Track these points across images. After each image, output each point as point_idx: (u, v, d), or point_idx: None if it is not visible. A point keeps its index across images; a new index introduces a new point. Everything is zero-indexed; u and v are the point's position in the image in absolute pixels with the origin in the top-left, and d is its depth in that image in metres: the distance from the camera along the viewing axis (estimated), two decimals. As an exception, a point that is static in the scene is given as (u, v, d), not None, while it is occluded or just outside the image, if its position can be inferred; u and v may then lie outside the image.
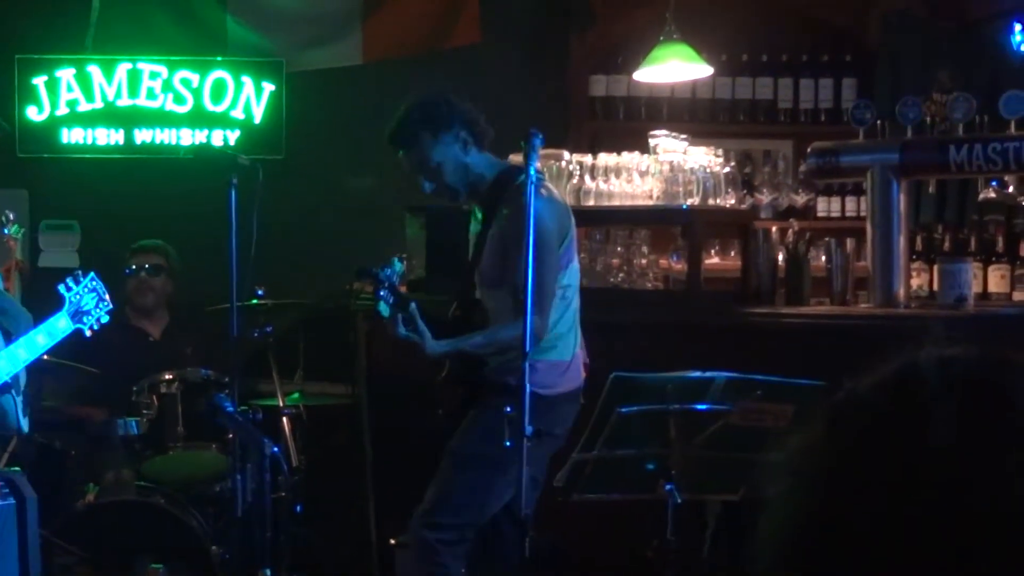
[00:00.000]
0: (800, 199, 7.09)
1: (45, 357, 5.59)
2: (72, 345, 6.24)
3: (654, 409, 3.79)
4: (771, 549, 1.12)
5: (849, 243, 5.77)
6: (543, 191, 4.41)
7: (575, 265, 4.65)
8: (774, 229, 6.11)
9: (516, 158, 5.28)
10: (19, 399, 4.72)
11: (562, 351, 4.57)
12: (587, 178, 5.75)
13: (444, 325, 4.52)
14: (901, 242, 5.44)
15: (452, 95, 4.66)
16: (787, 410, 3.78)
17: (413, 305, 4.36)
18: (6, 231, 5.94)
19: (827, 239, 5.93)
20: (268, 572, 5.52)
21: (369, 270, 4.42)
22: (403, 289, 4.83)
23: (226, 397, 5.33)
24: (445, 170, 4.57)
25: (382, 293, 4.33)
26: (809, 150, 5.78)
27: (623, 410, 3.75)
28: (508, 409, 4.06)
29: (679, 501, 3.89)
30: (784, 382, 3.84)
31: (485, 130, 4.63)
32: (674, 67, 6.45)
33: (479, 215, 4.70)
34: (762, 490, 1.14)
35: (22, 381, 4.79)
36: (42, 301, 6.25)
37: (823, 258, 5.86)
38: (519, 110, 6.47)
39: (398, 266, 4.39)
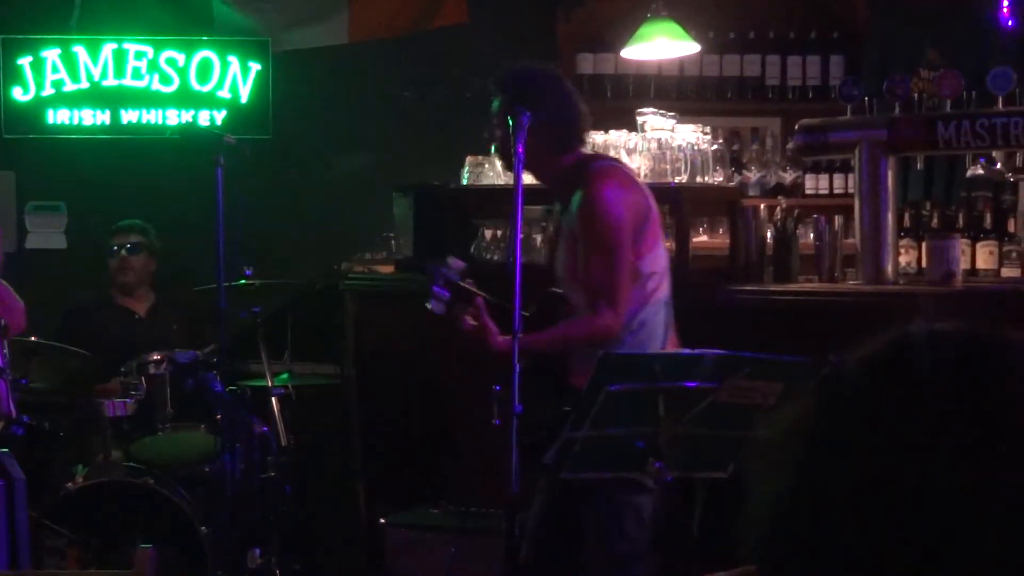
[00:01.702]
0: (788, 176, 7.09)
1: (33, 339, 5.59)
2: (59, 328, 6.28)
3: (643, 387, 3.79)
4: (760, 526, 1.12)
5: (837, 220, 5.76)
6: (613, 177, 4.18)
7: (660, 251, 4.32)
8: (762, 207, 6.09)
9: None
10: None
11: (647, 345, 4.26)
12: (575, 156, 5.73)
13: (523, 321, 4.09)
14: (889, 219, 5.43)
15: (568, 95, 4.34)
16: (775, 387, 3.78)
17: (479, 300, 4.15)
18: None
19: (815, 216, 5.91)
20: (258, 552, 5.54)
21: (424, 266, 4.23)
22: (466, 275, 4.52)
23: (214, 377, 5.33)
24: (500, 142, 4.30)
25: (436, 289, 4.11)
26: (797, 127, 5.77)
27: (612, 388, 3.74)
28: (497, 388, 4.03)
29: (668, 479, 3.89)
30: (772, 359, 3.83)
31: (571, 137, 4.28)
32: (661, 45, 6.43)
33: (560, 208, 4.43)
34: (751, 467, 1.14)
35: None
36: (30, 283, 6.26)
37: (811, 235, 5.85)
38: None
39: (455, 263, 4.17)
